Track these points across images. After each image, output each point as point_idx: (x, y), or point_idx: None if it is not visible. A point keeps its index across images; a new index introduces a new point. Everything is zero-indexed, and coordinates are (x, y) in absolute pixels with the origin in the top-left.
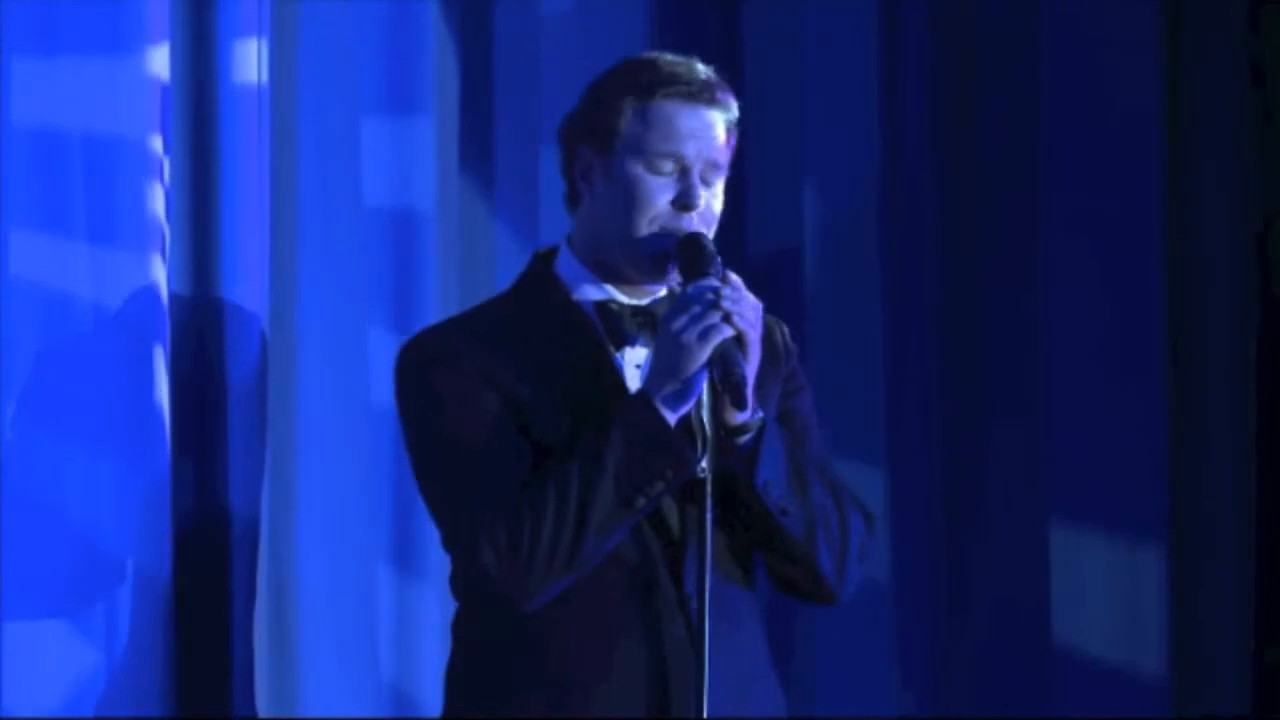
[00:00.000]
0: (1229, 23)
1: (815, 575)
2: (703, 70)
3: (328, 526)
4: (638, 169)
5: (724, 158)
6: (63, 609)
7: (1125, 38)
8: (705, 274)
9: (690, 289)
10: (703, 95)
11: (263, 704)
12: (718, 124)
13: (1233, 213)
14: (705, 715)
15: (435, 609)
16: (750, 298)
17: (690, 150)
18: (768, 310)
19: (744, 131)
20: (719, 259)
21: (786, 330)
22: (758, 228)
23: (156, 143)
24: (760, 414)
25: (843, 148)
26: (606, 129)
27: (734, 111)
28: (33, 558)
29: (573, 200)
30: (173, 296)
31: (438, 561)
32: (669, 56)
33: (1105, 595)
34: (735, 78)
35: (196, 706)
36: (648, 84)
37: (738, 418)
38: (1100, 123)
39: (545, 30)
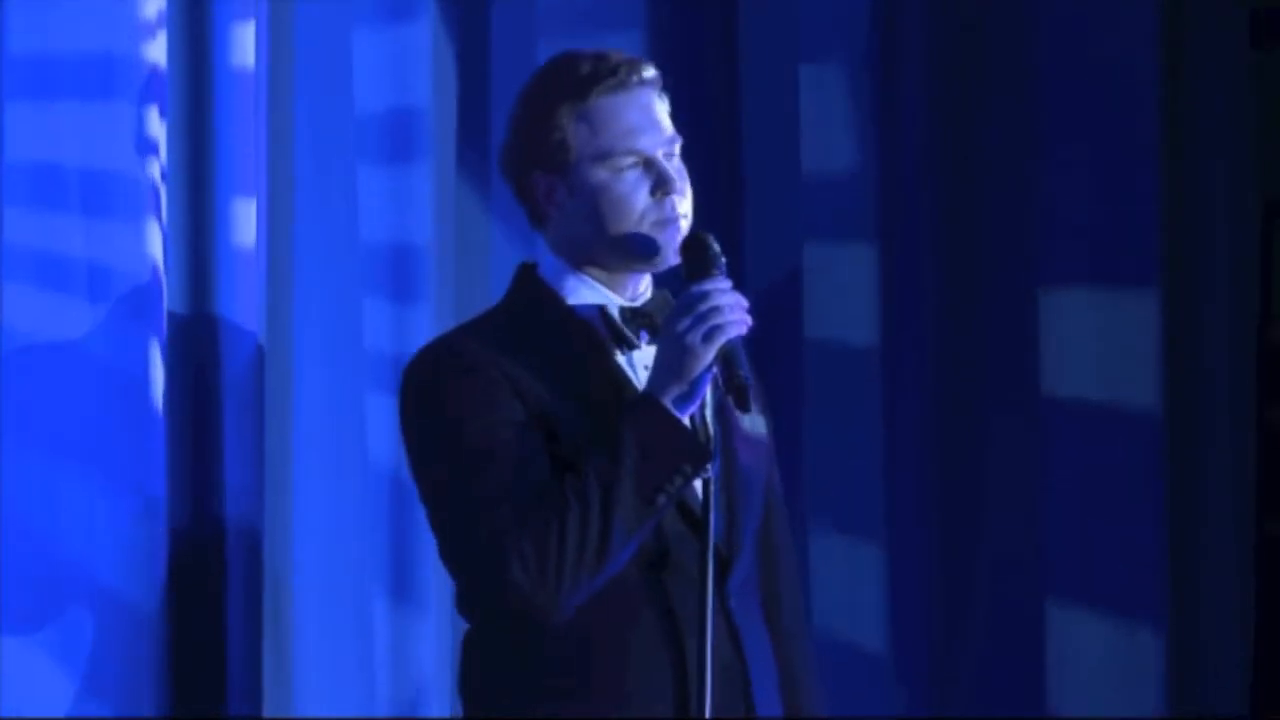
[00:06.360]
0: (1229, 21)
1: None
2: (617, 54)
3: (324, 542)
4: (602, 175)
5: (672, 127)
6: (57, 622)
7: (1125, 35)
8: (710, 274)
9: (694, 290)
10: (632, 79)
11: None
12: (654, 100)
13: (1233, 213)
14: (707, 715)
15: (432, 621)
16: (736, 297)
17: (646, 142)
18: (765, 337)
19: (742, 137)
20: (724, 259)
21: None
22: (755, 241)
23: (154, 166)
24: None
25: (841, 151)
26: (554, 147)
27: (659, 79)
28: (29, 569)
29: (538, 220)
30: (169, 312)
31: (434, 575)
32: (583, 52)
33: (1104, 595)
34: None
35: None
36: (577, 86)
37: None
38: (1099, 126)
39: (542, 29)
